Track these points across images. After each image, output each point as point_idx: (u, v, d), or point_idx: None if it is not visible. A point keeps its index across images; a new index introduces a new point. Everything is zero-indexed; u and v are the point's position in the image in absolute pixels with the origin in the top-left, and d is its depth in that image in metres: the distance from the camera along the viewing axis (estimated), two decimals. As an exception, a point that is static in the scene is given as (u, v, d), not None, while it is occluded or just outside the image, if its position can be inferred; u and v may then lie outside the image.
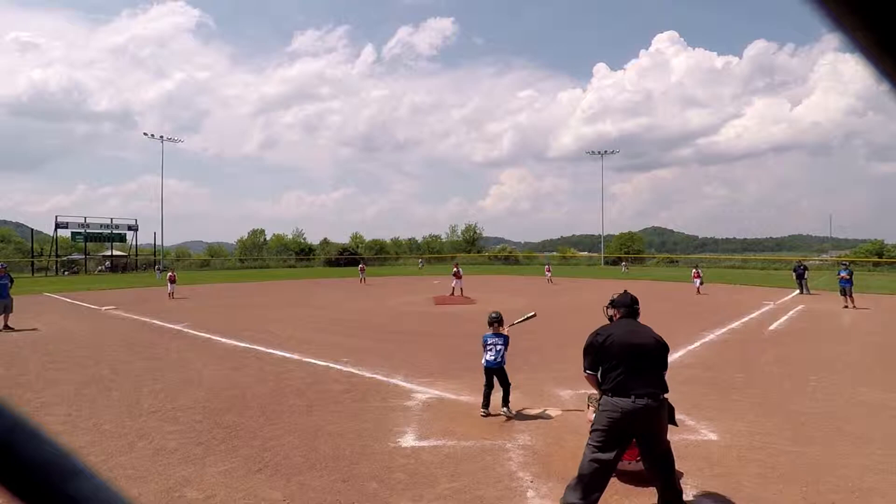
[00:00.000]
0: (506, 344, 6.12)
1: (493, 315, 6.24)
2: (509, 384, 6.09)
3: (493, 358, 6.04)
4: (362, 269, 32.66)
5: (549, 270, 31.95)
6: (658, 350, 3.73)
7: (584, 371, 3.92)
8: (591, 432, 3.71)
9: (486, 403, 6.02)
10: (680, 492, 3.66)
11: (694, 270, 23.58)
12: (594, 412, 4.84)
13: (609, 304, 4.27)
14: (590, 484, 3.52)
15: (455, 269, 22.29)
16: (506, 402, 6.06)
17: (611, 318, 4.21)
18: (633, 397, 3.51)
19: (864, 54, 0.30)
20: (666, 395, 3.66)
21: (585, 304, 19.17)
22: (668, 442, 3.68)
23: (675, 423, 3.82)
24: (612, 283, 30.34)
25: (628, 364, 3.61)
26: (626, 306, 4.03)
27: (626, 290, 4.20)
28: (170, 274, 22.46)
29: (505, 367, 6.11)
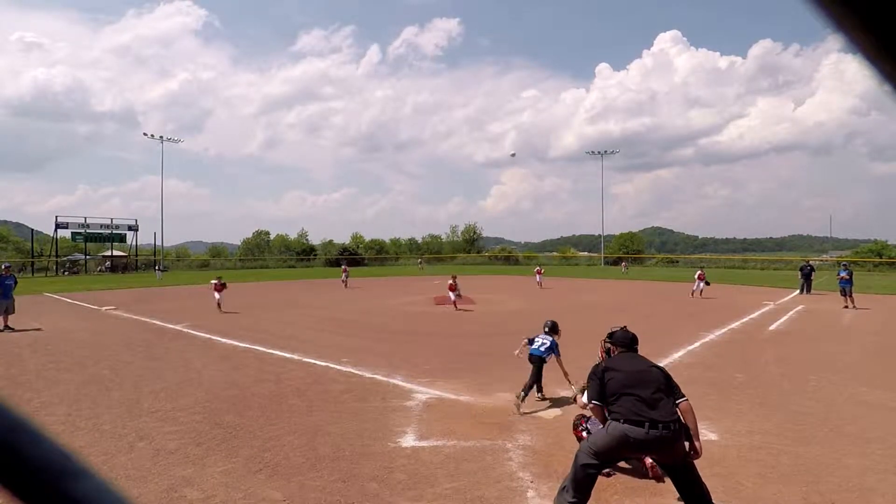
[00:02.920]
0: (553, 346, 6.76)
1: (549, 322, 7.07)
2: (540, 379, 6.69)
3: (537, 347, 6.76)
4: (345, 271, 28.75)
5: (539, 273, 27.92)
6: (664, 379, 3.66)
7: (590, 402, 3.82)
8: (589, 442, 3.67)
9: (527, 389, 6.38)
10: (708, 497, 3.55)
11: (699, 272, 21.51)
12: (582, 393, 4.87)
13: (608, 337, 4.22)
14: (581, 488, 3.54)
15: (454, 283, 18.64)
16: (527, 391, 6.40)
17: (608, 352, 4.16)
18: (646, 427, 3.41)
19: (864, 56, 0.30)
20: (678, 421, 3.53)
21: (585, 306, 19.16)
22: (689, 457, 3.60)
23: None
24: (612, 284, 30.35)
25: (637, 394, 3.54)
26: (626, 346, 3.99)
27: (625, 327, 4.16)
28: (215, 281, 17.38)
29: (544, 364, 6.72)
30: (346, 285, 27.27)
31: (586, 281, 32.76)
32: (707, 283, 21.10)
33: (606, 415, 3.71)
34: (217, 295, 16.88)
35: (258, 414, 6.20)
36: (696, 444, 3.53)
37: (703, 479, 3.54)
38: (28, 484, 0.30)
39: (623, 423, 3.49)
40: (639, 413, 3.46)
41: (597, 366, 3.88)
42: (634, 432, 3.43)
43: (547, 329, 7.01)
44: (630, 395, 3.54)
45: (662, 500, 4.10)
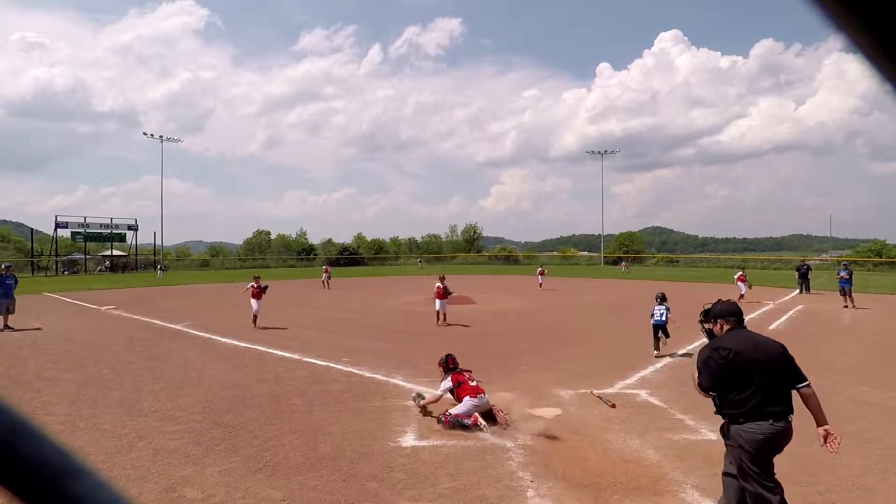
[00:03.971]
0: (668, 310, 9.24)
1: (660, 294, 9.54)
2: (669, 335, 9.31)
3: (659, 317, 9.20)
4: (326, 271, 26.60)
5: (541, 274, 26.28)
6: (783, 360, 3.25)
7: (706, 392, 3.35)
8: (743, 465, 3.24)
9: (656, 346, 9.21)
10: None
11: (739, 273, 19.44)
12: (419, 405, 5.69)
13: (703, 316, 3.64)
14: (767, 493, 3.24)
15: (442, 286, 14.13)
16: (666, 335, 9.33)
17: (709, 333, 3.60)
18: (770, 420, 3.11)
19: (865, 56, 0.30)
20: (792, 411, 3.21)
21: (585, 306, 19.18)
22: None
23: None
24: (612, 283, 30.36)
25: (760, 383, 3.15)
26: (735, 315, 3.46)
27: (720, 299, 3.68)
28: (252, 284, 13.54)
29: (667, 325, 9.25)
30: (325, 286, 25.43)
31: (586, 281, 32.76)
32: (749, 286, 18.95)
33: (718, 409, 3.32)
34: (255, 303, 13.30)
35: (258, 414, 6.20)
36: (827, 427, 3.21)
37: (704, 479, 3.54)
38: (28, 483, 0.30)
39: (744, 423, 3.16)
40: (761, 406, 3.13)
41: (715, 350, 3.31)
42: (762, 428, 3.12)
43: (659, 299, 9.26)
44: (752, 387, 3.16)
45: (662, 500, 4.10)
